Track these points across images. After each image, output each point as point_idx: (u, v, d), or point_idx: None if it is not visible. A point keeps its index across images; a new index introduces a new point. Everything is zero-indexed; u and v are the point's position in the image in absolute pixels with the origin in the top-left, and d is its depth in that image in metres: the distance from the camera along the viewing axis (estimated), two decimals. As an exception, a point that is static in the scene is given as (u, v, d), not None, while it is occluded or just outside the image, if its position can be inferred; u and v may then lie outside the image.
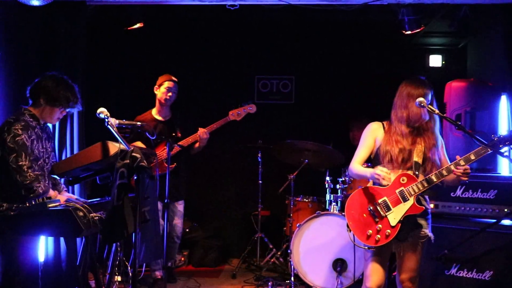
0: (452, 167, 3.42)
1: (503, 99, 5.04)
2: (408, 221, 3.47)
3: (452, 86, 4.96)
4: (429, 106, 3.60)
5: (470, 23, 6.18)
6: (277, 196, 6.19)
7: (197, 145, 5.43)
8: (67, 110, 4.03)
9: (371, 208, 3.54)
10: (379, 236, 3.46)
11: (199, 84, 7.15)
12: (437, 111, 3.62)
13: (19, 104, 4.08)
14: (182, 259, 6.46)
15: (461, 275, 4.08)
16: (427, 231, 3.55)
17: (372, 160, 3.77)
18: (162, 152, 5.26)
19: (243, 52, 7.27)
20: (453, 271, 4.12)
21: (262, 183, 6.36)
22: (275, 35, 7.17)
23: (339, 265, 5.04)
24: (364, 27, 6.85)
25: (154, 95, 5.54)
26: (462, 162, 3.42)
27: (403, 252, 3.57)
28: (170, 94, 5.44)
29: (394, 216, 3.46)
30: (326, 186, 5.61)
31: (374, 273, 3.56)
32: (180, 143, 5.21)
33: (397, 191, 3.49)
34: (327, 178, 5.62)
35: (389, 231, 3.45)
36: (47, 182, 3.88)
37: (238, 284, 5.69)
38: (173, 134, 5.34)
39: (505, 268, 3.91)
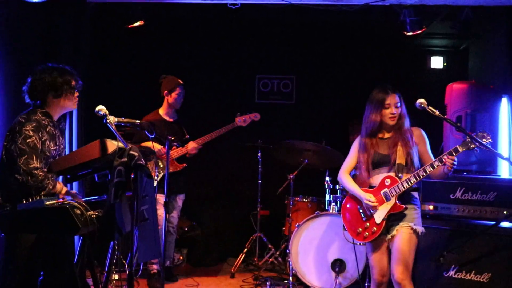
0: (436, 164, 3.61)
1: (504, 101, 5.03)
2: (394, 217, 3.74)
3: (453, 88, 4.96)
4: (430, 107, 3.63)
5: (472, 25, 6.16)
6: (277, 196, 6.19)
7: (187, 155, 5.60)
8: (72, 95, 3.94)
9: (361, 208, 3.89)
10: (367, 233, 3.82)
11: (200, 83, 7.14)
12: (437, 112, 3.63)
13: (19, 102, 4.04)
14: (181, 257, 6.45)
15: (459, 276, 4.07)
16: (412, 224, 3.71)
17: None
18: (174, 152, 5.46)
19: (244, 51, 7.27)
20: (451, 272, 4.11)
21: (262, 183, 6.35)
22: (276, 34, 7.16)
23: (337, 266, 5.04)
24: (365, 28, 6.84)
25: (155, 93, 5.55)
26: (436, 163, 3.62)
27: (391, 244, 3.77)
28: (181, 96, 5.61)
29: (379, 214, 3.76)
30: (326, 187, 5.60)
31: (376, 266, 3.85)
32: (172, 156, 5.44)
33: (381, 192, 3.78)
34: (327, 179, 5.62)
35: (375, 228, 3.77)
36: (53, 176, 3.84)
37: (237, 284, 5.68)
38: (184, 137, 5.63)
39: (503, 270, 3.90)
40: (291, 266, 5.28)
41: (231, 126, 5.68)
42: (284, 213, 6.22)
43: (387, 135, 3.89)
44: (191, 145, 5.49)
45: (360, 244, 4.13)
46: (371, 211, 3.79)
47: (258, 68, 7.36)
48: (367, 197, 3.79)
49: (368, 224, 3.82)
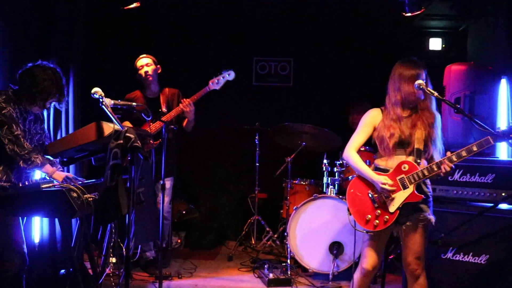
0: (446, 161, 3.39)
1: (503, 82, 4.99)
2: (407, 207, 3.49)
3: (451, 70, 4.91)
4: (428, 88, 3.58)
5: (471, 6, 6.11)
6: (274, 178, 6.19)
7: (185, 121, 5.38)
8: (48, 106, 3.93)
9: (371, 193, 3.57)
10: (377, 221, 3.51)
11: (197, 65, 7.08)
12: (436, 93, 3.59)
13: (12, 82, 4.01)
14: (179, 241, 6.45)
15: (457, 258, 4.07)
16: (427, 214, 3.53)
17: (373, 146, 3.74)
18: (153, 126, 5.19)
19: (241, 33, 7.21)
20: (449, 254, 4.10)
21: (259, 166, 6.35)
22: (273, 16, 7.09)
23: (335, 248, 5.04)
24: (364, 9, 6.77)
25: None
26: (454, 158, 3.39)
27: (405, 235, 3.57)
28: (146, 69, 5.42)
29: (394, 202, 3.49)
30: (324, 169, 5.58)
31: (370, 255, 3.62)
32: (163, 118, 5.13)
33: (398, 178, 3.49)
34: (325, 161, 5.58)
35: (387, 217, 3.49)
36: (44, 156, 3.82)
37: (235, 267, 5.69)
38: (159, 110, 5.31)
39: (501, 252, 3.89)
40: (289, 249, 5.28)
41: (204, 90, 5.35)
42: (282, 196, 6.22)
43: (408, 112, 3.61)
44: (185, 101, 5.24)
45: (366, 232, 3.60)
46: (385, 197, 3.51)
47: (256, 50, 7.31)
48: (383, 181, 3.48)
49: (379, 211, 3.52)
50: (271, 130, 6.04)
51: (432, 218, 3.56)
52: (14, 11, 4.80)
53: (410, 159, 3.52)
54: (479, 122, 3.49)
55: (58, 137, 5.08)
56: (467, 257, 4.03)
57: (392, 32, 6.96)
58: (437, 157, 3.53)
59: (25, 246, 3.75)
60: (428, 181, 3.62)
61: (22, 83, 3.80)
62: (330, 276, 4.95)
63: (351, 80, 7.05)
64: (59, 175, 3.77)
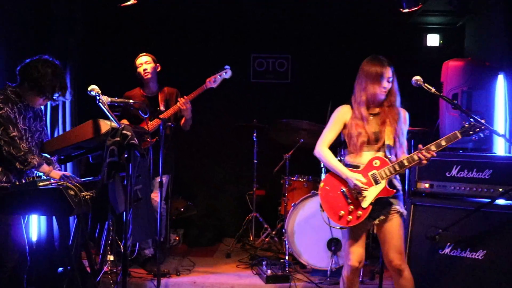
0: (424, 152, 3.46)
1: (500, 78, 5.00)
2: (379, 202, 3.55)
3: (449, 65, 4.92)
4: (426, 85, 3.60)
5: (469, 2, 6.11)
6: (272, 175, 6.19)
7: (183, 120, 5.38)
8: (51, 101, 3.94)
9: (344, 189, 3.62)
10: (350, 217, 3.57)
11: (194, 62, 7.08)
12: (433, 89, 3.61)
13: (9, 80, 4.01)
14: (177, 238, 6.45)
15: (455, 254, 4.07)
16: (399, 207, 3.60)
17: (343, 143, 3.81)
18: (150, 124, 5.18)
19: (239, 30, 7.20)
20: (447, 250, 4.11)
21: (257, 163, 6.35)
22: (271, 13, 7.08)
23: (333, 245, 5.05)
24: (361, 6, 6.77)
25: None
26: (433, 148, 3.47)
27: (381, 231, 3.62)
28: (145, 67, 5.42)
29: (366, 198, 3.54)
30: (321, 166, 5.56)
31: (354, 251, 3.65)
32: (160, 116, 5.13)
33: (369, 173, 3.55)
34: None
35: (360, 212, 3.55)
36: (41, 156, 3.83)
37: (233, 263, 5.69)
38: (157, 108, 5.32)
39: (499, 247, 3.90)
40: (287, 246, 5.28)
41: (201, 89, 5.36)
42: (280, 193, 6.22)
43: (376, 110, 3.67)
44: (182, 100, 5.24)
45: (340, 228, 3.77)
46: (358, 194, 3.56)
47: (253, 47, 7.30)
48: (357, 177, 3.53)
49: (352, 207, 3.57)
50: (269, 127, 6.04)
51: (404, 211, 3.63)
52: (12, 9, 4.79)
53: (381, 154, 3.58)
54: (477, 118, 3.50)
55: (55, 135, 5.08)
56: (465, 253, 4.03)
57: (390, 28, 6.95)
58: (402, 152, 3.61)
59: (26, 246, 3.76)
60: (397, 176, 3.66)
61: (27, 77, 3.80)
62: (328, 273, 4.96)
63: (348, 77, 7.01)
64: (56, 173, 3.78)
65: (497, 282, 3.88)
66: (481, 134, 3.46)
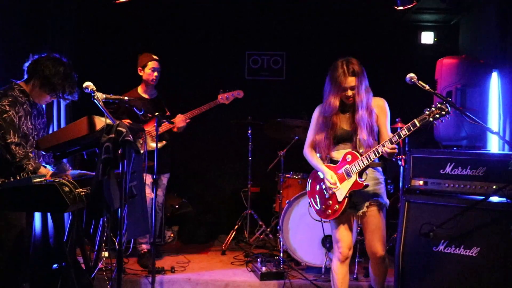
0: (387, 144, 3.57)
1: (494, 76, 5.02)
2: (357, 194, 3.73)
3: (443, 63, 4.94)
4: (420, 82, 3.61)
5: (463, 0, 6.13)
6: (267, 172, 6.20)
7: (175, 129, 5.44)
8: (61, 99, 3.95)
9: (323, 185, 3.85)
10: (329, 211, 3.80)
11: (189, 60, 7.08)
12: (427, 87, 3.62)
13: (5, 79, 4.00)
14: (172, 235, 6.45)
15: (449, 251, 4.08)
16: (380, 199, 3.80)
17: None
18: (151, 129, 5.21)
19: (234, 27, 7.19)
20: (441, 247, 4.12)
21: (252, 160, 6.35)
22: (266, 10, 7.08)
23: (328, 242, 5.05)
24: (355, 3, 6.78)
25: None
26: (394, 139, 3.56)
27: (365, 222, 3.81)
28: (155, 74, 5.46)
29: (341, 192, 3.73)
30: (316, 163, 5.58)
31: (343, 239, 3.84)
32: (161, 129, 5.21)
33: (343, 168, 3.75)
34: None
35: (337, 206, 3.75)
36: (38, 159, 3.83)
37: (228, 261, 5.70)
38: (162, 112, 5.35)
39: (492, 244, 3.91)
40: (282, 243, 5.29)
41: (213, 103, 5.58)
42: (275, 190, 6.23)
43: (348, 109, 3.83)
44: (179, 118, 5.40)
45: (322, 221, 4.19)
46: (328, 189, 3.77)
47: (248, 44, 7.30)
48: (328, 177, 3.76)
49: (330, 202, 3.79)
50: (263, 124, 6.04)
51: (387, 202, 3.85)
52: (6, 8, 4.77)
53: (354, 149, 3.75)
54: (470, 115, 3.51)
55: (50, 131, 5.06)
56: (459, 250, 4.04)
57: (384, 26, 6.97)
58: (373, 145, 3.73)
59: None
60: (379, 169, 3.85)
61: (37, 74, 3.79)
62: (323, 270, 4.98)
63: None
64: (49, 172, 3.78)
65: (491, 279, 3.89)
66: (448, 117, 3.49)
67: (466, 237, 4.03)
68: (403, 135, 3.54)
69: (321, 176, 3.87)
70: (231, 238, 6.17)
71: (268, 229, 6.22)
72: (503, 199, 3.98)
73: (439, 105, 3.46)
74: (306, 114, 5.58)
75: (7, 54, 4.63)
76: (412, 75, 3.63)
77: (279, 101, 7.21)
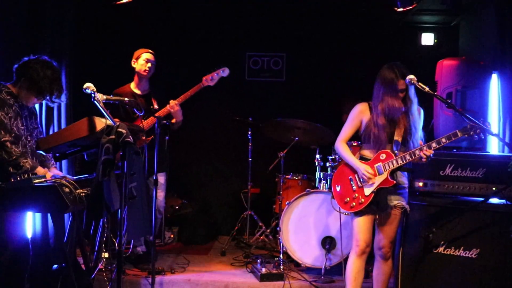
0: (425, 148, 3.68)
1: (494, 77, 5.02)
2: (382, 193, 3.81)
3: (443, 65, 4.94)
4: (419, 83, 3.63)
5: (463, 1, 6.12)
6: (267, 173, 6.19)
7: (173, 120, 5.34)
8: (46, 102, 3.95)
9: (351, 178, 3.95)
10: (354, 203, 3.89)
11: (189, 61, 7.08)
12: (427, 88, 3.63)
13: (5, 79, 4.00)
14: (172, 236, 6.45)
15: (448, 253, 4.09)
16: (404, 203, 3.92)
17: (361, 139, 4.05)
18: (145, 122, 5.14)
19: (234, 28, 7.20)
20: (440, 249, 4.13)
21: (252, 161, 6.34)
22: (266, 11, 7.09)
23: (328, 243, 5.06)
24: (356, 4, 6.78)
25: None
26: (433, 145, 3.68)
27: (383, 222, 3.94)
28: (149, 65, 5.30)
29: (370, 187, 3.84)
30: (316, 164, 5.60)
31: (362, 233, 3.90)
32: (156, 114, 5.09)
33: (375, 165, 3.84)
34: (317, 156, 5.60)
35: (362, 199, 3.85)
36: (33, 159, 3.84)
37: (227, 262, 5.70)
38: (151, 107, 5.26)
39: (492, 246, 3.92)
40: (281, 244, 5.29)
41: (198, 87, 5.32)
42: (275, 191, 6.23)
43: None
44: (172, 102, 5.20)
45: (345, 214, 4.32)
46: (363, 182, 3.85)
47: (248, 45, 7.31)
48: (365, 168, 3.83)
49: (356, 194, 3.88)
50: (263, 125, 6.04)
51: (407, 207, 3.95)
52: (4, 9, 4.77)
53: (389, 149, 3.84)
54: (470, 117, 3.52)
55: (51, 132, 5.07)
56: (458, 251, 4.05)
57: (384, 27, 6.98)
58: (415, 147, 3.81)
59: (29, 244, 3.76)
60: (405, 174, 3.96)
61: (25, 76, 3.79)
62: (323, 271, 4.97)
63: (343, 75, 7.06)
64: (48, 174, 3.79)
65: (490, 281, 3.90)
66: (482, 136, 3.59)
67: (465, 239, 4.03)
68: (442, 143, 3.65)
69: (351, 170, 3.96)
70: (231, 239, 6.16)
71: (268, 230, 6.22)
72: (503, 201, 4.00)
73: (482, 125, 3.55)
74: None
75: (7, 54, 4.64)
76: (412, 76, 3.65)
77: (279, 102, 7.21)
